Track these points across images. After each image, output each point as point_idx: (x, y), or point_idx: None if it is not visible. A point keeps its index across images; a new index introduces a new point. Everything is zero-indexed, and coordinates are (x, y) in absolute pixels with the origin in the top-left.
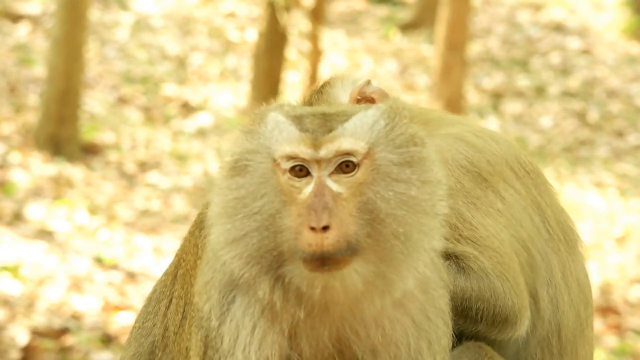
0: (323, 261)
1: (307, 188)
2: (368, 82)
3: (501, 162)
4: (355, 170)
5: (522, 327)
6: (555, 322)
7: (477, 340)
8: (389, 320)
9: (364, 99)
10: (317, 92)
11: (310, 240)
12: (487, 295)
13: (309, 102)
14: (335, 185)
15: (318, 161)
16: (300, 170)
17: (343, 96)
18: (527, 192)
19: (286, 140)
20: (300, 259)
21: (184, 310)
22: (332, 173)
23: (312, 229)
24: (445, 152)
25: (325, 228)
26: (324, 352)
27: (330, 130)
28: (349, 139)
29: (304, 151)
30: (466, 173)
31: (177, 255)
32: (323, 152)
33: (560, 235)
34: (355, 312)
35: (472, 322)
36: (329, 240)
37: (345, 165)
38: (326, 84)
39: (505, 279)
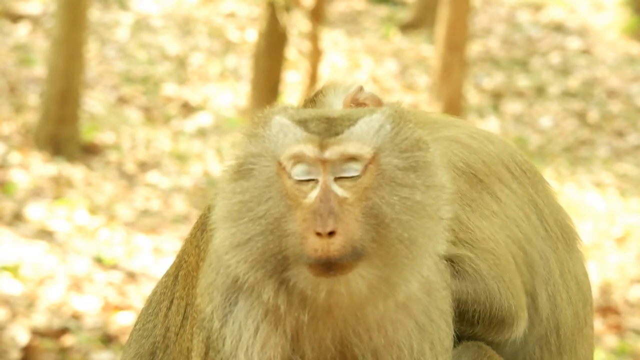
0: (329, 266)
1: (312, 193)
2: (360, 89)
3: (497, 162)
4: (360, 175)
5: (519, 329)
6: (553, 320)
7: (476, 340)
8: (392, 322)
9: (357, 105)
10: (311, 101)
11: (316, 246)
12: (482, 297)
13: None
14: (340, 190)
15: (323, 162)
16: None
17: (336, 104)
18: (523, 191)
19: (292, 141)
20: (306, 264)
21: (185, 311)
22: (337, 178)
23: (318, 234)
24: (441, 155)
25: (331, 233)
26: (326, 355)
27: (336, 134)
28: (355, 143)
29: (310, 149)
30: (461, 175)
31: (178, 256)
32: (328, 154)
33: (559, 233)
34: (359, 315)
35: (469, 324)
36: (335, 245)
37: (349, 170)
38: (319, 92)
39: (502, 280)
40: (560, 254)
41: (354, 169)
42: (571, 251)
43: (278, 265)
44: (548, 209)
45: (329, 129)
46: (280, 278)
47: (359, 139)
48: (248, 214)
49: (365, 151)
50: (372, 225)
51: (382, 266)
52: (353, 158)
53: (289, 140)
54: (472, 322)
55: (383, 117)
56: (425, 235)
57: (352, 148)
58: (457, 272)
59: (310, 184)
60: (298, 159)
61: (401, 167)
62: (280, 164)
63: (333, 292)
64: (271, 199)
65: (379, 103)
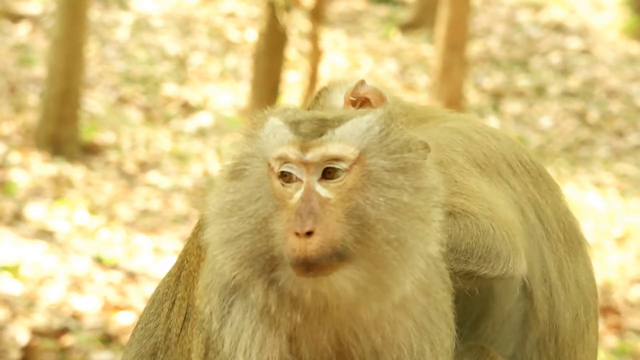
0: (307, 267)
1: (297, 193)
2: (362, 82)
3: (498, 157)
4: (344, 175)
5: (517, 267)
6: (551, 324)
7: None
8: (390, 323)
9: (358, 99)
10: (315, 99)
11: (294, 246)
12: (474, 232)
13: (308, 109)
14: (324, 190)
15: (306, 164)
16: (285, 176)
17: (339, 99)
18: (523, 189)
19: (279, 143)
20: (289, 264)
21: (186, 312)
22: (321, 178)
23: (297, 234)
24: (441, 140)
25: (309, 233)
26: (323, 355)
27: (320, 135)
28: (338, 144)
29: (292, 152)
30: (460, 155)
31: (180, 256)
32: (310, 156)
33: (560, 235)
34: (354, 316)
35: (463, 261)
36: (312, 245)
37: (331, 171)
38: (324, 89)
39: (494, 220)
40: (559, 255)
41: (338, 169)
42: (574, 255)
43: (266, 264)
44: (551, 210)
45: (317, 130)
46: (269, 278)
47: (343, 140)
48: (239, 213)
49: (349, 152)
50: (355, 226)
51: (371, 268)
52: (337, 159)
53: (277, 141)
54: (466, 258)
55: (373, 118)
56: (416, 236)
57: (334, 149)
58: (449, 214)
59: (295, 184)
60: (283, 160)
61: (389, 168)
62: (269, 165)
63: (317, 292)
64: (261, 199)
65: (380, 97)
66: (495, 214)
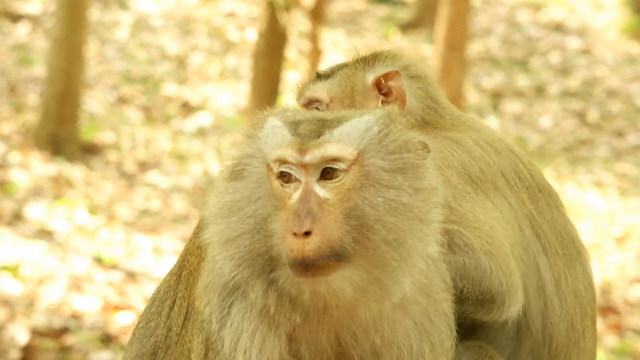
0: (306, 267)
1: (296, 194)
2: (397, 74)
3: (495, 173)
4: (343, 176)
5: (512, 310)
6: (545, 334)
7: (476, 340)
8: (389, 323)
9: (385, 87)
10: (358, 61)
11: (292, 246)
12: (472, 273)
13: (350, 66)
14: (322, 191)
15: (305, 166)
16: (285, 177)
17: (372, 76)
18: (520, 205)
19: (278, 144)
20: (287, 265)
21: (187, 312)
22: (320, 179)
23: (295, 234)
24: (438, 153)
25: (308, 234)
26: (323, 356)
27: (319, 136)
28: (336, 145)
29: (291, 154)
30: (455, 173)
31: (181, 256)
32: (308, 158)
33: (559, 249)
34: (353, 316)
35: (457, 301)
36: (310, 246)
37: (331, 172)
38: (374, 56)
39: (494, 257)
40: (558, 269)
41: (337, 170)
42: (573, 267)
43: (265, 265)
44: (549, 225)
45: (315, 131)
46: (268, 278)
47: (342, 141)
48: (238, 213)
49: (348, 153)
50: (354, 227)
51: (370, 268)
52: (335, 159)
53: (276, 142)
54: (461, 299)
55: (372, 119)
56: (415, 237)
57: (332, 150)
58: (449, 247)
59: (294, 185)
60: (282, 161)
61: (387, 169)
62: (269, 165)
63: (316, 293)
64: (260, 199)
65: (402, 99)
66: (494, 247)
